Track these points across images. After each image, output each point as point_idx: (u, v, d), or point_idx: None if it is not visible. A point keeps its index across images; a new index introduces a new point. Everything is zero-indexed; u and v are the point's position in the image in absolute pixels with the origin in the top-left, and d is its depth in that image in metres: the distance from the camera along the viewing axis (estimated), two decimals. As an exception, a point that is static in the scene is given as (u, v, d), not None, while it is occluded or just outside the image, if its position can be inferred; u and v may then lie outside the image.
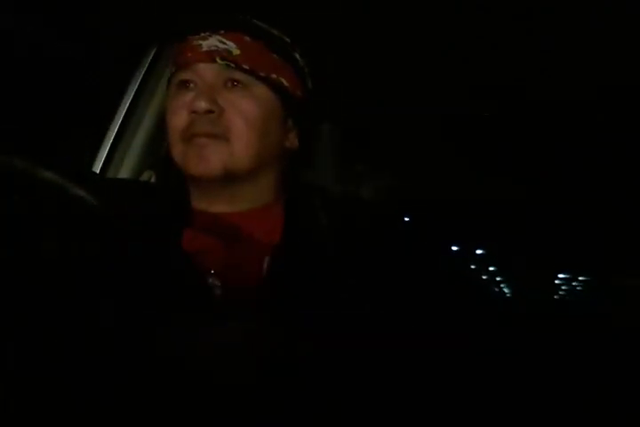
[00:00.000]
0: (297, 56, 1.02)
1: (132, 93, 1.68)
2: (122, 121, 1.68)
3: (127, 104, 1.68)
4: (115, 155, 1.67)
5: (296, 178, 1.06)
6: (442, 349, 0.93)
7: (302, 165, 1.06)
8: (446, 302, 1.02)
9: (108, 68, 1.67)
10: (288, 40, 1.02)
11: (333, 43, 1.67)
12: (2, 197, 0.71)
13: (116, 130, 1.67)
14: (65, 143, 1.60)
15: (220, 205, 1.00)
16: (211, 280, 0.94)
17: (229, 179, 0.96)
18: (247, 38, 0.97)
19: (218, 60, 0.95)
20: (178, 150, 0.97)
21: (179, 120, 0.96)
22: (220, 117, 0.94)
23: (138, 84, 1.69)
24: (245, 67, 0.95)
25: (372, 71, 1.94)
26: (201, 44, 0.96)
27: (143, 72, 1.70)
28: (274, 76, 0.97)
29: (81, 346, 0.70)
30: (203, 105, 0.93)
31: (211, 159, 0.94)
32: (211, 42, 0.96)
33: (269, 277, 0.94)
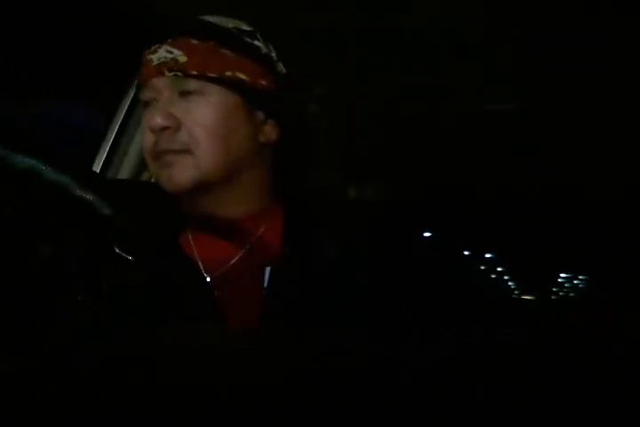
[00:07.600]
0: (258, 44, 0.99)
1: (132, 94, 1.68)
2: (121, 121, 1.68)
3: (127, 105, 1.68)
4: (114, 155, 1.67)
5: (290, 172, 1.04)
6: (446, 354, 0.92)
7: (291, 157, 1.03)
8: (450, 308, 1.01)
9: (108, 68, 1.68)
10: (247, 29, 0.99)
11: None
12: (1, 196, 0.71)
13: (115, 130, 1.68)
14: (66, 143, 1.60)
15: (212, 210, 0.99)
16: (209, 284, 0.94)
17: (204, 189, 0.95)
18: (194, 41, 0.95)
19: (166, 72, 0.94)
20: (151, 168, 0.99)
21: (146, 140, 0.97)
22: (179, 131, 0.94)
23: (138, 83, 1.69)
24: (194, 72, 0.94)
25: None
26: (152, 59, 0.96)
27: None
28: (228, 73, 0.95)
29: (77, 347, 0.70)
30: (157, 122, 0.93)
31: (178, 176, 0.94)
32: (160, 54, 0.95)
33: (269, 287, 0.94)
